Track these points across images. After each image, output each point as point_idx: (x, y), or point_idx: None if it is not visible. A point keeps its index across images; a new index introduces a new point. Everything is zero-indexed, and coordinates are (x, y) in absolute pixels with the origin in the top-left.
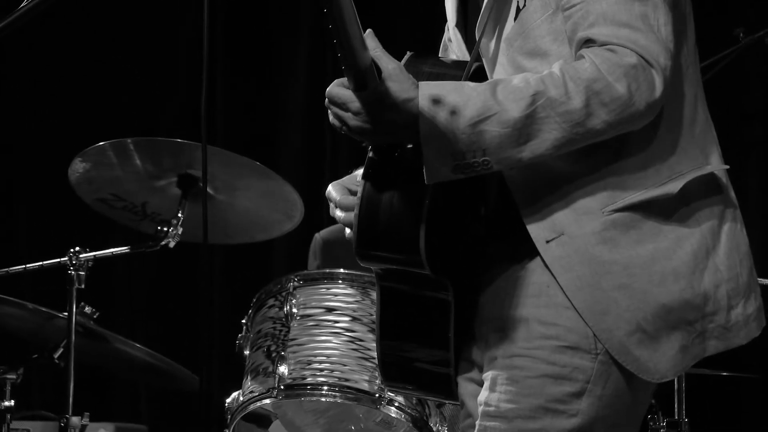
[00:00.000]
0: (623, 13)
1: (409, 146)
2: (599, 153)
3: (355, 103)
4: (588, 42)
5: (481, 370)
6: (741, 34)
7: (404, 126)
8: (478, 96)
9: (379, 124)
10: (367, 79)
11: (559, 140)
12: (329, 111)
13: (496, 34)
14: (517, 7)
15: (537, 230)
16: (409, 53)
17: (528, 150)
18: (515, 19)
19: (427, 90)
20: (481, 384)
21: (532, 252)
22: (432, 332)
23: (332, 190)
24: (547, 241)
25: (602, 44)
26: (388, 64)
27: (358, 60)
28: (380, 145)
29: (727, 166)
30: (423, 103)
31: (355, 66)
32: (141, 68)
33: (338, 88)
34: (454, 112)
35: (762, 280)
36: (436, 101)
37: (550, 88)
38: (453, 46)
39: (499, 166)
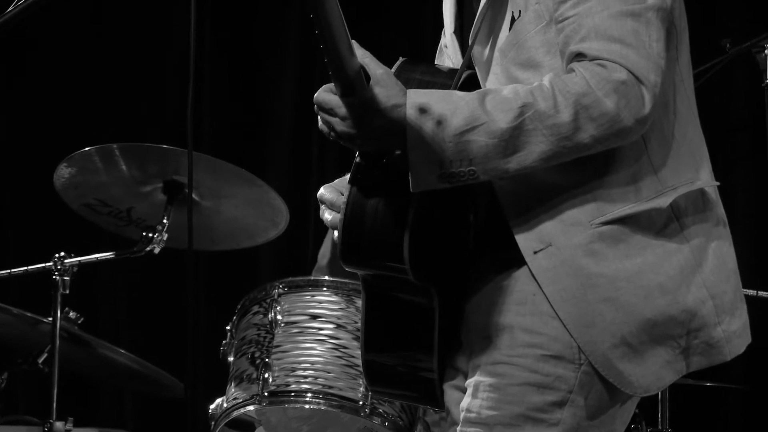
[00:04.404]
0: (615, 29)
1: (397, 152)
2: (589, 165)
3: (342, 109)
4: (579, 56)
5: (466, 377)
6: (728, 45)
7: (391, 132)
8: (467, 105)
9: (365, 130)
10: (355, 85)
11: (546, 153)
12: (318, 117)
13: (490, 43)
14: (512, 17)
15: (525, 241)
16: (401, 59)
17: (515, 161)
18: (510, 29)
19: (414, 98)
20: (465, 391)
21: (519, 261)
22: (417, 338)
23: (324, 192)
24: (535, 252)
25: (593, 59)
26: (376, 70)
27: (346, 66)
28: (367, 151)
29: (718, 183)
30: (410, 111)
31: (343, 72)
32: (128, 74)
33: (326, 94)
34: (440, 122)
35: (748, 291)
36: (423, 110)
37: (539, 100)
38: (449, 52)
39: (486, 176)
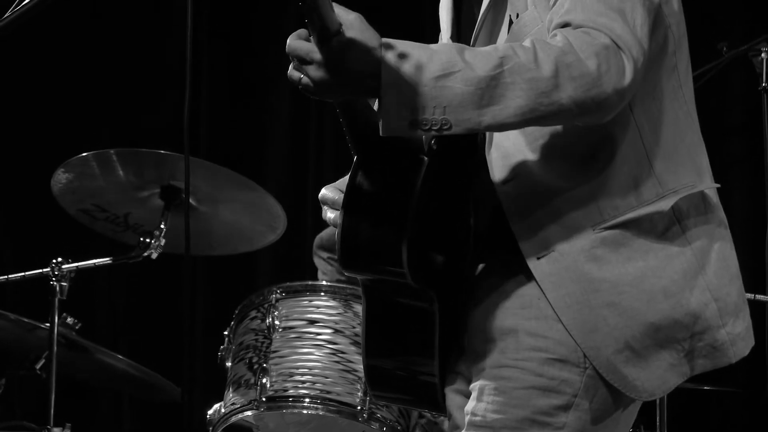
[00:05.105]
0: (602, 5)
1: (396, 159)
2: (590, 169)
3: (317, 54)
4: (564, 25)
5: (469, 383)
6: (724, 49)
7: (367, 75)
8: (444, 53)
9: (342, 75)
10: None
11: (522, 108)
12: (290, 66)
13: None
14: (510, 20)
15: (528, 246)
16: None
17: (489, 114)
18: (508, 32)
19: (390, 42)
20: (468, 396)
21: (523, 265)
22: (417, 342)
23: (326, 192)
24: (538, 258)
25: (577, 27)
26: (348, 15)
27: (328, 22)
28: (340, 99)
29: (718, 185)
30: (387, 54)
31: (326, 29)
32: (125, 78)
33: (299, 41)
34: (418, 66)
35: (746, 295)
36: (402, 55)
37: (519, 54)
38: None
39: (459, 127)
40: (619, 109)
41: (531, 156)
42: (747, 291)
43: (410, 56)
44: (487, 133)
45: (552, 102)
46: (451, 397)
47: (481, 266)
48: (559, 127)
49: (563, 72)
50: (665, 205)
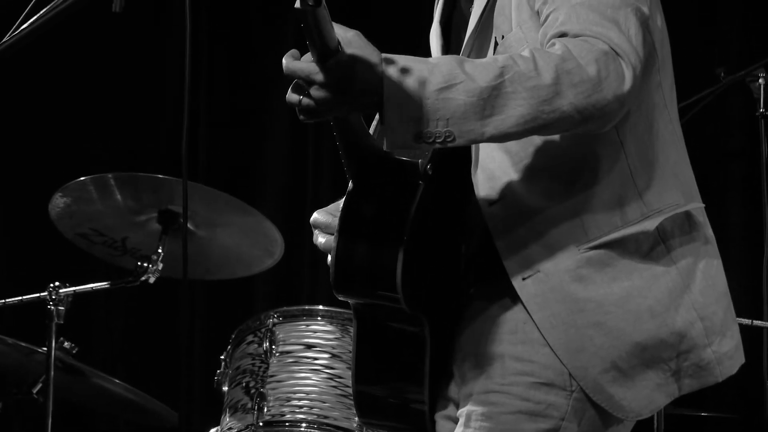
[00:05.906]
0: (596, 16)
1: (391, 183)
2: (575, 188)
3: (319, 75)
4: (560, 36)
5: (458, 408)
6: (722, 74)
7: (368, 92)
8: (445, 65)
9: (344, 93)
10: (334, 53)
11: (525, 117)
12: (290, 88)
13: None
14: (495, 42)
15: (513, 267)
16: None
17: (492, 125)
18: (494, 54)
19: (391, 57)
20: (457, 421)
21: (509, 289)
22: (408, 368)
23: (318, 216)
24: (524, 279)
25: (575, 35)
26: (346, 33)
27: (328, 40)
28: (342, 115)
29: (703, 204)
30: (390, 70)
31: (325, 46)
32: (123, 103)
33: (299, 62)
34: (420, 81)
35: (743, 320)
36: (404, 70)
37: (519, 63)
38: None
39: (463, 139)
40: (620, 116)
41: (516, 176)
42: (744, 316)
43: (412, 71)
44: (473, 155)
45: (554, 109)
46: (441, 423)
47: (471, 290)
48: (543, 147)
49: (564, 79)
50: (650, 225)
